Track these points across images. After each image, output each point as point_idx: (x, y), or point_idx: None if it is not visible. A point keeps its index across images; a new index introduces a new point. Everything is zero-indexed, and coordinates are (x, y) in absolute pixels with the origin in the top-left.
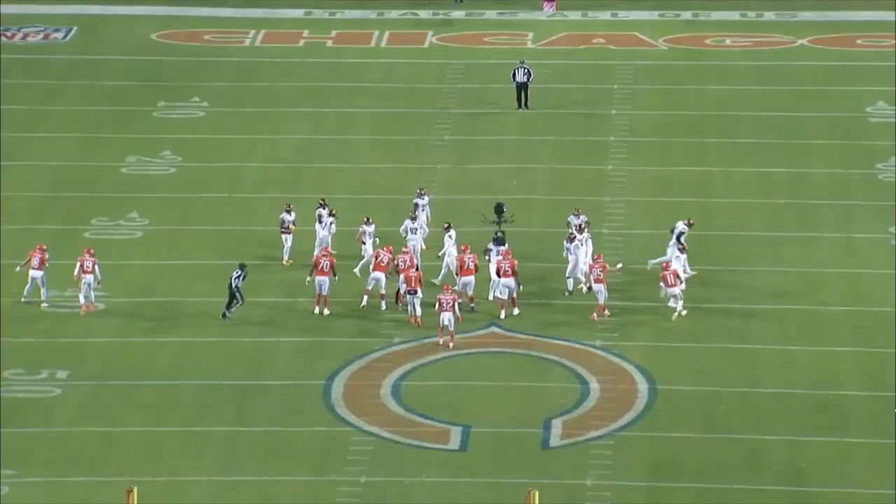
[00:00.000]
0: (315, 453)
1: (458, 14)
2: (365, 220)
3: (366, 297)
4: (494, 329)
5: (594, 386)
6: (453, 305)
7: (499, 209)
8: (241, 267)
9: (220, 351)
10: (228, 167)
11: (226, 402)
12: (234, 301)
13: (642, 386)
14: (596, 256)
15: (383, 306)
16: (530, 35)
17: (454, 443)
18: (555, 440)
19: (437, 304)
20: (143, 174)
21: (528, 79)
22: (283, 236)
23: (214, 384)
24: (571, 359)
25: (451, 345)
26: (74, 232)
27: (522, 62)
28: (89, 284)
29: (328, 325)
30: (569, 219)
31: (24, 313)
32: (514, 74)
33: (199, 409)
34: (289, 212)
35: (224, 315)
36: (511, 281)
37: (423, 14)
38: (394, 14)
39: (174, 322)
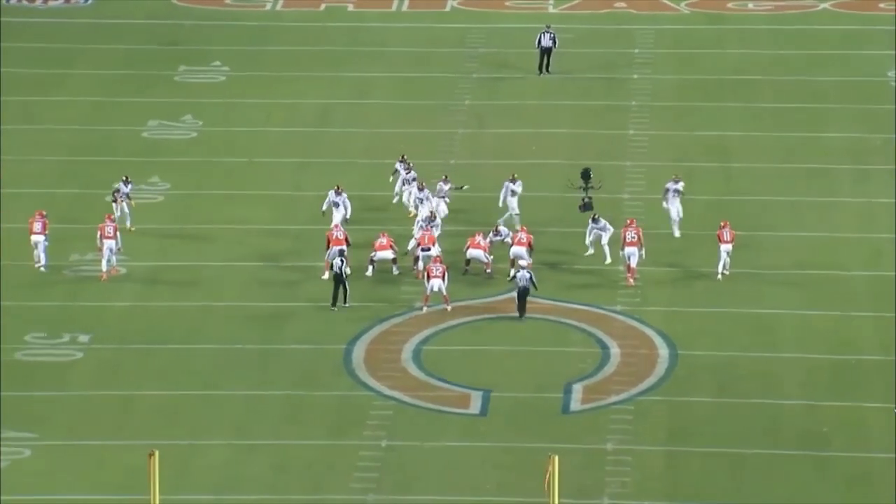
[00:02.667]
0: (335, 417)
1: None
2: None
3: (371, 268)
4: (514, 294)
5: (615, 350)
6: (443, 275)
7: (586, 175)
8: (341, 252)
9: (238, 314)
10: (248, 131)
11: (245, 366)
12: (342, 289)
13: (663, 351)
14: (629, 221)
15: (395, 270)
16: (550, 2)
17: (474, 407)
18: (575, 405)
19: (426, 274)
20: (163, 138)
21: (553, 45)
22: (115, 205)
23: (233, 348)
24: (592, 323)
25: (449, 308)
26: (95, 196)
27: (548, 27)
28: (111, 250)
29: (353, 291)
30: (667, 185)
31: (46, 278)
32: (539, 40)
33: (217, 373)
34: (126, 183)
35: (336, 306)
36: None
37: None
38: None
39: (194, 286)
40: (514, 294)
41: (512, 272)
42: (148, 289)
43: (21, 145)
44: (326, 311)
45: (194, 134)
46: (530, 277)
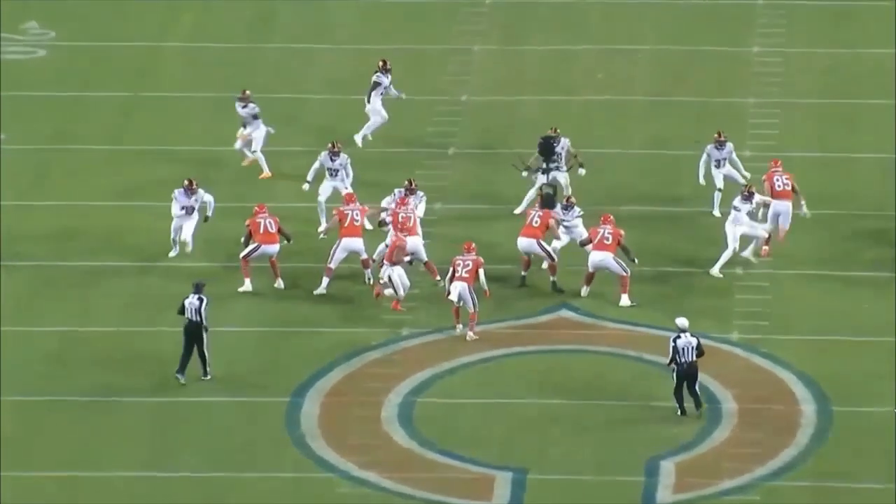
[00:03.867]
0: None
1: None
2: None
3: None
4: (566, 313)
5: (729, 406)
6: (475, 272)
7: (547, 146)
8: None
9: (106, 345)
10: (131, 47)
11: (139, 431)
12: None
13: (807, 406)
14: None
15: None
16: None
17: (501, 497)
18: (664, 494)
19: (450, 271)
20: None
21: None
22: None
23: (112, 400)
24: None
25: (470, 334)
26: None
27: None
28: None
29: (295, 309)
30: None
31: None
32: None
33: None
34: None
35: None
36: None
37: None
38: None
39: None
40: (673, 377)
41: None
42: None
43: None
44: (265, 338)
45: (42, 52)
46: (698, 346)
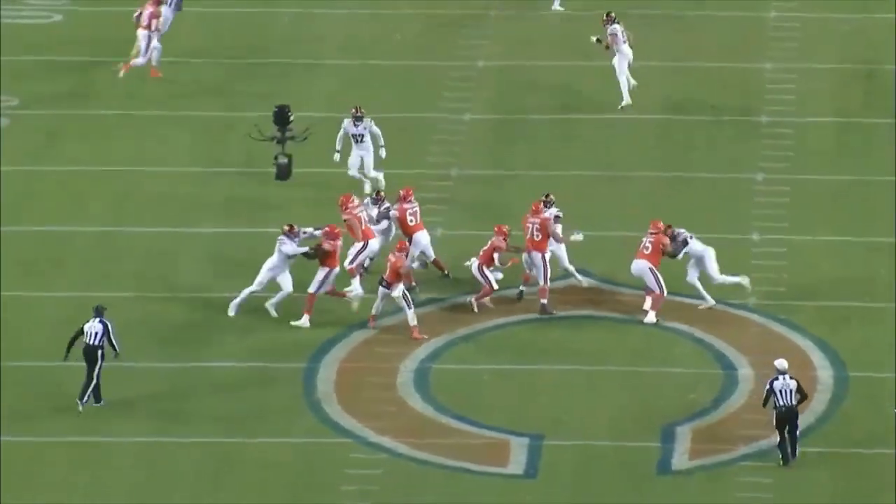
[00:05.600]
0: (292, 476)
1: None
2: None
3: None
4: (581, 279)
5: (745, 371)
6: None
7: (281, 116)
8: (98, 313)
9: (138, 314)
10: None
11: (149, 395)
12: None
13: (824, 372)
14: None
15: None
16: None
17: (516, 463)
18: (680, 460)
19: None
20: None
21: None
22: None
23: (130, 368)
24: (709, 328)
25: (475, 306)
26: None
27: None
28: None
29: (307, 278)
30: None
31: None
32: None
33: (108, 405)
34: None
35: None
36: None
37: None
38: None
39: (61, 268)
40: (772, 420)
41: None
42: None
43: None
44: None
45: (58, 17)
46: (798, 388)
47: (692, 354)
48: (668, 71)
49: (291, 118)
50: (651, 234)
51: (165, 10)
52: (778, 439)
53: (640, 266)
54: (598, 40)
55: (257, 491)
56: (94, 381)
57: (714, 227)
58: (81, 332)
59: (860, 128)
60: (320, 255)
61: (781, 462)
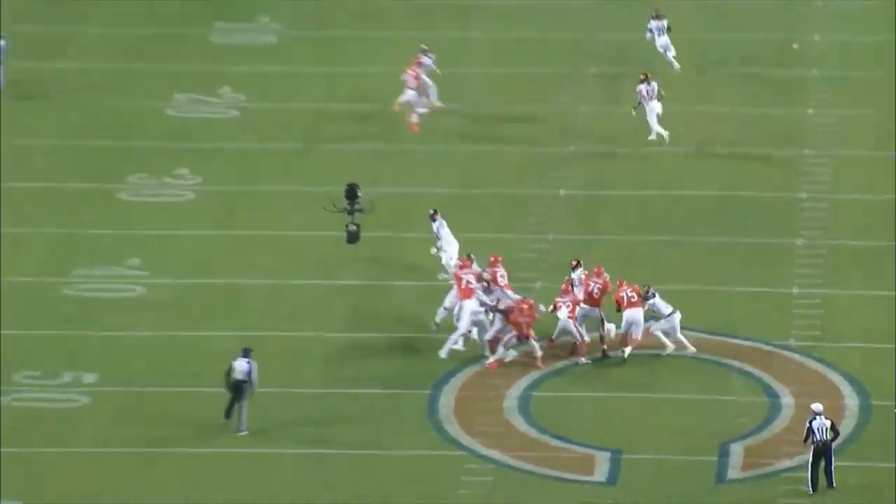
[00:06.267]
0: (418, 483)
1: None
2: None
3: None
4: (653, 323)
5: (787, 400)
6: (574, 310)
7: (351, 193)
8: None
9: (294, 349)
10: (306, 108)
11: (302, 416)
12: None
13: (851, 401)
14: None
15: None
16: None
17: (600, 473)
18: (734, 471)
19: (552, 307)
20: (196, 118)
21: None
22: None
23: (287, 392)
24: (757, 364)
25: (582, 359)
26: (105, 192)
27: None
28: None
29: (432, 317)
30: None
31: (46, 301)
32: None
33: (268, 423)
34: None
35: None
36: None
37: None
38: None
39: (234, 312)
40: (810, 455)
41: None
42: (172, 315)
43: (14, 128)
44: (410, 345)
45: (235, 112)
46: (832, 426)
47: (743, 385)
48: (724, 157)
49: (360, 194)
50: (628, 288)
51: (426, 60)
52: (810, 468)
53: (637, 315)
54: (633, 109)
55: (392, 494)
56: (242, 410)
57: (761, 283)
58: (231, 368)
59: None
60: (505, 315)
61: (810, 490)
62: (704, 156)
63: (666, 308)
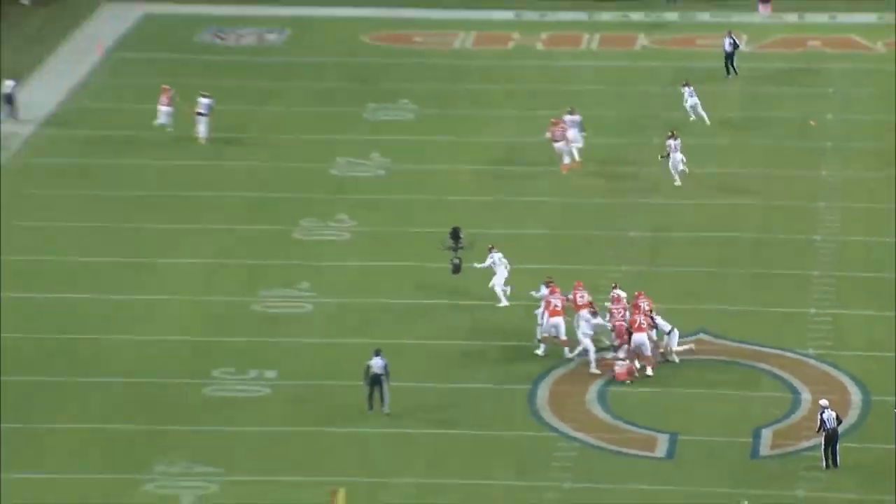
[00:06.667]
0: (520, 457)
1: (670, 16)
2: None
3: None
4: (702, 336)
5: (805, 396)
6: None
7: (455, 235)
8: (377, 353)
9: (425, 353)
10: (437, 169)
11: (431, 404)
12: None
13: (856, 397)
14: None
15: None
16: (744, 37)
17: (661, 450)
18: (764, 450)
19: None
20: (352, 176)
21: (736, 47)
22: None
23: (420, 386)
24: (782, 368)
25: (650, 370)
26: (283, 232)
27: (730, 32)
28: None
29: (529, 331)
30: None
31: (235, 313)
32: (724, 44)
33: (405, 410)
34: (205, 96)
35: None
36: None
37: (635, 16)
38: (605, 16)
39: (380, 325)
40: (821, 440)
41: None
42: (335, 326)
43: (214, 181)
44: (512, 350)
45: (382, 172)
46: (837, 417)
47: (772, 384)
48: (758, 207)
49: (462, 235)
50: (641, 316)
51: (570, 118)
52: (823, 450)
53: (643, 338)
54: (661, 157)
55: (499, 468)
56: (384, 396)
57: (786, 305)
58: (369, 366)
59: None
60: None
61: (824, 467)
62: (742, 206)
63: (666, 326)
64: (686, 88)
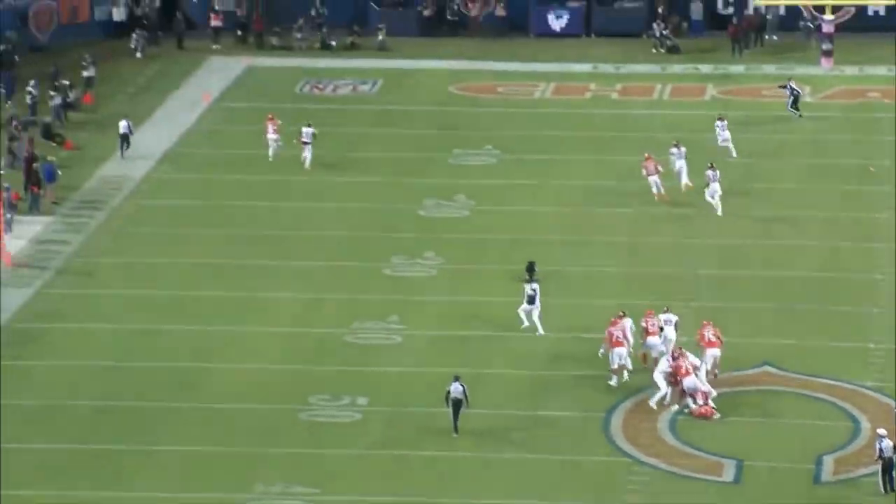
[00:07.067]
0: (596, 481)
1: (737, 68)
2: None
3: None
4: (767, 368)
5: (864, 425)
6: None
7: (531, 268)
8: (457, 378)
9: (505, 381)
10: (518, 210)
11: (511, 429)
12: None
13: None
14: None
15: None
16: (808, 89)
17: (728, 475)
18: (826, 476)
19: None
20: (439, 216)
21: (795, 94)
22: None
23: (501, 413)
24: (843, 398)
25: (714, 393)
26: (375, 269)
27: (790, 80)
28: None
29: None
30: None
31: (330, 344)
32: (788, 88)
33: (490, 436)
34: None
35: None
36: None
37: (704, 68)
38: (676, 68)
39: (465, 355)
40: (879, 467)
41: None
42: (422, 356)
43: (312, 220)
44: (587, 379)
45: (467, 212)
46: (894, 446)
47: (833, 414)
48: (823, 249)
49: (536, 269)
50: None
51: (675, 152)
52: (881, 477)
53: (693, 381)
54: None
55: (576, 491)
56: (455, 420)
57: (847, 339)
58: (449, 391)
59: None
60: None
61: (883, 492)
62: (807, 246)
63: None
64: (719, 122)
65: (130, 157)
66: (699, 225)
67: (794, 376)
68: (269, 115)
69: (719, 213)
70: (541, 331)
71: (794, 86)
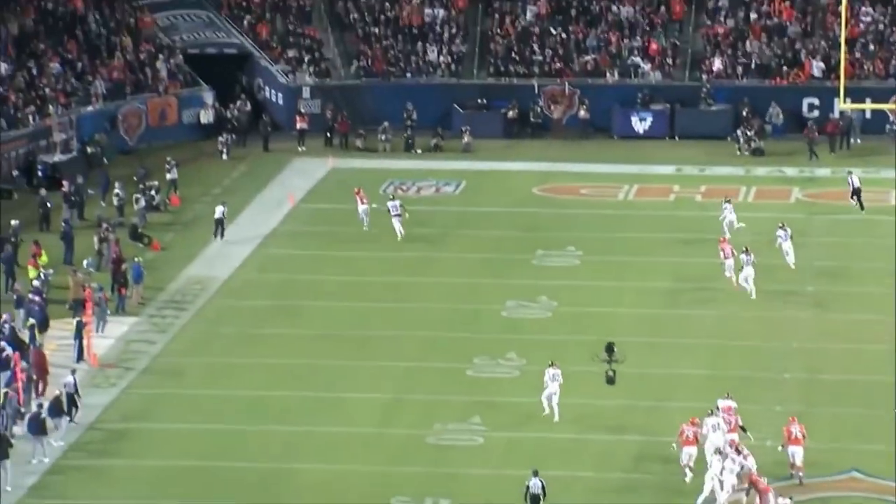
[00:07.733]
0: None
1: (823, 172)
2: None
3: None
4: (855, 474)
5: None
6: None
7: (609, 349)
8: (536, 473)
9: (585, 483)
10: (600, 312)
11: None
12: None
13: None
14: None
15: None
16: (892, 192)
17: None
18: None
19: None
20: (520, 317)
21: (859, 185)
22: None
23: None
24: None
25: (801, 479)
26: (457, 370)
27: (850, 172)
28: None
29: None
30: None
31: (412, 445)
32: (850, 183)
33: None
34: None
35: None
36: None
37: (790, 171)
38: (761, 171)
39: (546, 456)
40: None
41: None
42: (503, 458)
43: (391, 321)
44: (667, 479)
45: (549, 314)
46: None
47: None
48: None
49: (615, 350)
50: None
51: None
52: None
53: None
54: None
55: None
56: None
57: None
58: (528, 487)
59: None
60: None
61: None
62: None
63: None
64: (726, 205)
65: (213, 257)
66: (786, 327)
67: (881, 482)
68: (356, 189)
69: (753, 297)
70: (557, 418)
71: (853, 179)
